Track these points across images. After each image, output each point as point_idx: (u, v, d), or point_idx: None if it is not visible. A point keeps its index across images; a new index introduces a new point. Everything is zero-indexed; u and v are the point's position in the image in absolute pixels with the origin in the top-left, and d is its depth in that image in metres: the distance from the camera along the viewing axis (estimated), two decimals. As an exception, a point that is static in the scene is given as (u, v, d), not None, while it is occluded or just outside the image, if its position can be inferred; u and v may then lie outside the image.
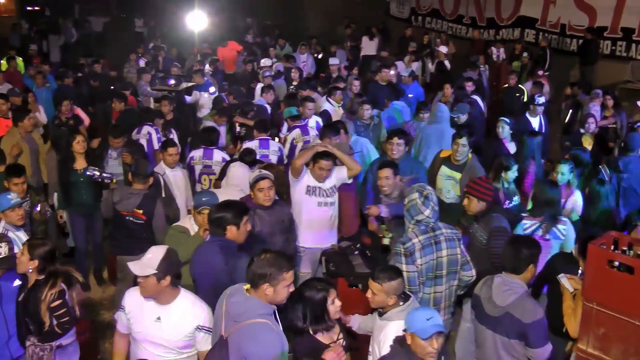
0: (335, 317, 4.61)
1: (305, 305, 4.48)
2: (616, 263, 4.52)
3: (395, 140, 7.39)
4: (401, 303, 4.69)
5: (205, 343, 4.65)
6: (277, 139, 9.85)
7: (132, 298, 4.66)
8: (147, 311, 4.58)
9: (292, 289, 4.22)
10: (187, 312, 4.62)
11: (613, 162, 8.08)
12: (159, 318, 4.57)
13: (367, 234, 7.49)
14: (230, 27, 22.22)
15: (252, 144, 8.80)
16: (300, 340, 4.48)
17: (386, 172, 6.73)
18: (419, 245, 5.30)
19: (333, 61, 15.04)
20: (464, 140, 7.55)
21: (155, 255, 4.49)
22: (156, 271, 4.41)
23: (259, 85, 12.81)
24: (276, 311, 4.21)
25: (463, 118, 9.83)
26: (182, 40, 19.36)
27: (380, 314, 4.76)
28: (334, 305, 4.52)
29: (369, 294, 4.70)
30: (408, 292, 4.91)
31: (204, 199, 5.97)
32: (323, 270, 6.96)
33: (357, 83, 12.25)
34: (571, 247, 6.10)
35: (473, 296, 5.16)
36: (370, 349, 4.81)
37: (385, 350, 4.42)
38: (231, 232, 5.14)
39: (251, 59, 16.04)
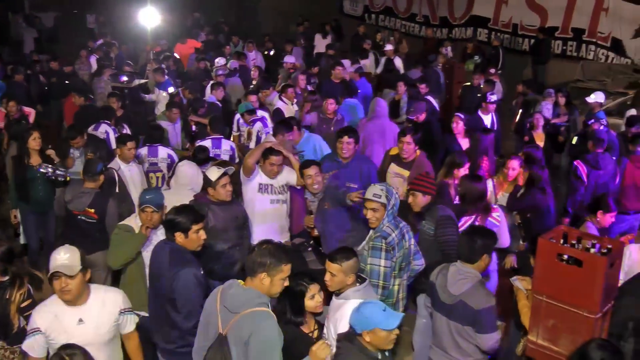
0: (316, 312, 4.79)
1: (286, 297, 4.61)
2: (565, 256, 4.59)
3: (345, 139, 7.31)
4: (358, 283, 4.78)
5: (130, 324, 4.77)
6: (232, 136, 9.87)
7: (44, 315, 4.55)
8: (67, 319, 4.51)
9: (286, 283, 4.26)
10: (105, 303, 4.63)
11: (592, 159, 8.19)
12: (81, 320, 4.52)
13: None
14: (181, 24, 22.00)
15: (205, 143, 8.74)
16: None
17: (312, 170, 6.76)
18: (396, 239, 5.44)
19: (288, 59, 14.99)
20: (408, 139, 7.58)
21: (72, 253, 4.47)
22: (81, 266, 4.44)
23: (211, 83, 12.72)
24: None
25: (421, 117, 9.88)
26: (134, 37, 19.11)
27: (337, 294, 4.81)
28: (314, 300, 4.69)
29: (327, 277, 4.74)
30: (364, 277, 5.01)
31: (147, 197, 5.84)
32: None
33: (302, 77, 12.35)
34: (506, 233, 6.39)
35: (429, 283, 5.22)
36: (324, 330, 4.82)
37: (342, 327, 4.45)
38: (179, 238, 5.06)
39: (203, 57, 15.94)
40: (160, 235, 5.92)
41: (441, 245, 5.94)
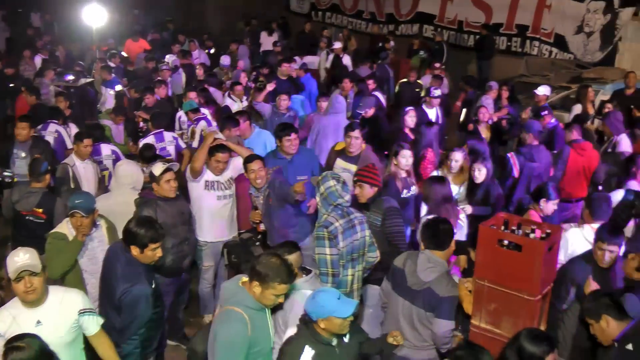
0: None
1: None
2: (505, 242, 4.71)
3: (286, 137, 7.39)
4: (304, 275, 4.91)
5: (92, 324, 4.66)
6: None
7: (3, 318, 4.45)
8: (25, 321, 4.42)
9: (281, 300, 4.32)
10: (63, 303, 4.56)
11: (527, 151, 8.33)
12: (39, 322, 4.45)
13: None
14: (126, 22, 21.75)
15: (148, 139, 8.71)
16: None
17: (255, 165, 6.78)
18: (340, 228, 5.48)
19: (224, 61, 14.99)
20: (356, 133, 7.64)
21: (30, 253, 4.42)
22: (41, 264, 4.40)
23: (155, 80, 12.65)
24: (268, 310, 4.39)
25: (370, 112, 9.96)
26: (80, 36, 18.87)
27: None
28: None
29: None
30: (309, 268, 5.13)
31: (76, 201, 5.74)
32: (225, 262, 6.98)
33: (243, 75, 12.43)
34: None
35: (393, 269, 5.29)
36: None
37: (292, 318, 4.53)
38: (134, 251, 5.03)
39: (152, 56, 15.83)
40: (96, 240, 5.97)
41: (389, 236, 6.01)
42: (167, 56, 14.83)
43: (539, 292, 4.65)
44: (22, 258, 4.35)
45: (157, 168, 6.35)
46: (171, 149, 8.85)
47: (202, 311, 7.54)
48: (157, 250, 5.05)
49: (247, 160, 6.89)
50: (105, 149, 8.69)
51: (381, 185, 6.25)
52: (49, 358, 4.00)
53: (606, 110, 10.10)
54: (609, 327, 4.36)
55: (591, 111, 11.16)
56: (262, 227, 7.00)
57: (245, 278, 4.32)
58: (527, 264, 4.58)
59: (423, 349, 5.07)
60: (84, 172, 7.96)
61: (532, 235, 4.78)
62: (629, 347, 4.28)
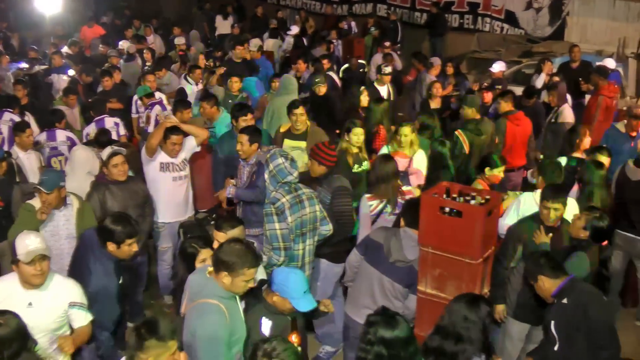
0: None
1: (180, 259, 4.83)
2: (447, 209, 4.89)
3: (242, 117, 7.56)
4: None
5: (80, 318, 4.76)
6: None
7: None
8: (17, 300, 4.53)
9: (251, 284, 4.20)
10: (60, 291, 4.67)
11: (473, 126, 8.44)
12: (30, 304, 4.56)
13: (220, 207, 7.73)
14: (78, 8, 21.48)
15: (91, 127, 8.78)
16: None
17: (242, 138, 6.87)
18: (287, 204, 5.61)
19: (178, 41, 15.00)
20: (300, 110, 7.75)
21: (40, 237, 4.58)
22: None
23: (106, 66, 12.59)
24: (238, 297, 4.23)
25: (323, 90, 10.05)
26: (35, 23, 18.64)
27: None
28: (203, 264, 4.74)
29: (215, 245, 4.88)
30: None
31: (42, 177, 5.93)
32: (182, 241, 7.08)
33: (201, 58, 12.52)
34: None
35: (368, 243, 5.42)
36: None
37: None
38: (111, 247, 5.15)
39: (108, 41, 15.74)
40: (62, 218, 6.05)
41: (336, 215, 6.11)
42: (121, 42, 14.75)
43: (480, 255, 4.85)
44: (34, 242, 4.48)
45: (105, 152, 6.49)
46: (113, 134, 8.86)
47: (161, 292, 7.62)
48: (133, 245, 5.18)
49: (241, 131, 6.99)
50: (61, 135, 8.68)
51: (332, 164, 6.30)
52: (23, 340, 4.06)
53: (554, 81, 10.37)
54: (545, 286, 4.64)
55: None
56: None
57: (210, 268, 4.19)
58: (468, 229, 4.78)
59: None
60: (28, 162, 7.94)
61: (472, 202, 4.97)
62: (564, 301, 4.56)
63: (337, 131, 8.63)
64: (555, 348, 4.65)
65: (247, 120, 7.55)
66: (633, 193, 6.85)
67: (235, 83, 10.07)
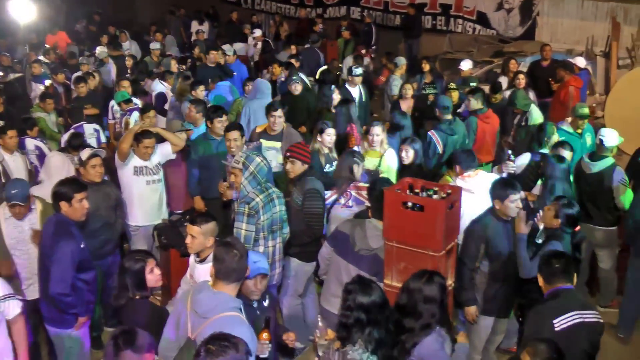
0: (156, 285, 4.88)
1: (127, 275, 4.69)
2: (409, 204, 5.05)
3: (218, 119, 7.73)
4: None
5: (14, 308, 4.87)
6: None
7: None
8: None
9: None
10: None
11: (445, 127, 8.57)
12: None
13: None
14: (52, 15, 21.43)
15: (68, 135, 8.84)
16: (136, 307, 4.65)
17: (234, 135, 7.03)
18: (261, 203, 5.76)
19: (153, 46, 15.07)
20: (279, 112, 7.95)
21: None
22: None
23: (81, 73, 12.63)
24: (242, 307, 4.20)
25: (299, 89, 10.18)
26: (8, 31, 18.58)
27: (200, 261, 5.12)
28: (153, 274, 4.75)
29: (188, 240, 5.04)
30: None
31: (12, 191, 5.95)
32: (156, 244, 7.18)
33: (173, 63, 12.63)
34: None
35: (337, 234, 5.62)
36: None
37: None
38: (64, 207, 5.39)
39: (82, 48, 15.77)
40: (27, 224, 6.15)
41: (306, 216, 6.22)
42: (98, 48, 14.80)
43: (443, 248, 5.01)
44: None
45: (85, 153, 6.58)
46: (92, 141, 8.93)
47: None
48: (84, 202, 5.44)
49: (227, 129, 7.20)
50: (30, 144, 8.77)
51: (310, 162, 6.46)
52: None
53: (518, 83, 10.57)
54: (540, 284, 4.73)
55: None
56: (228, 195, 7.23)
57: (210, 282, 4.10)
58: (430, 223, 4.93)
59: None
60: (14, 164, 8.02)
61: (435, 197, 5.13)
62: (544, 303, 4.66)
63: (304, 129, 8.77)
64: None
65: (222, 122, 7.72)
66: (588, 185, 7.15)
67: (200, 92, 10.13)
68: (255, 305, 4.59)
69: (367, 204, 6.54)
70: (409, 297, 4.33)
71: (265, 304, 4.73)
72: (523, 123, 9.35)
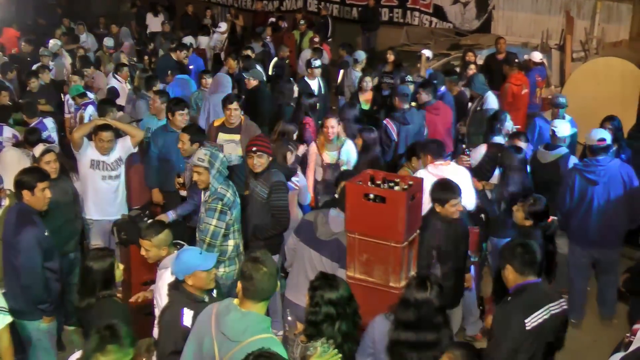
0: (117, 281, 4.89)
1: (92, 274, 4.68)
2: (371, 196, 5.05)
3: (179, 112, 7.68)
4: (175, 250, 5.02)
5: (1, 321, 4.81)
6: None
7: None
8: None
9: None
10: None
11: (400, 116, 8.65)
12: None
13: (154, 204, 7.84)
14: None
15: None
16: (103, 306, 4.66)
17: (184, 137, 6.93)
18: (232, 198, 5.79)
19: (107, 42, 14.86)
20: (235, 105, 7.92)
21: None
22: None
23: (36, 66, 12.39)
24: None
25: (254, 82, 10.13)
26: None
27: (158, 266, 5.06)
28: (119, 270, 4.82)
29: (143, 252, 4.99)
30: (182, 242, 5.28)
31: None
32: (116, 240, 7.08)
33: (122, 56, 12.58)
34: (308, 196, 7.08)
35: (302, 223, 5.71)
36: (154, 302, 5.06)
37: (165, 295, 4.67)
38: (26, 196, 5.37)
39: (32, 38, 15.42)
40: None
41: (273, 209, 6.22)
42: (51, 41, 14.51)
43: (405, 239, 5.02)
44: None
45: (37, 149, 6.56)
46: (54, 135, 8.80)
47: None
48: (46, 191, 5.43)
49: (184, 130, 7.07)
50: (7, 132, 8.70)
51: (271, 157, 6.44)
52: None
53: (470, 72, 10.69)
54: (509, 277, 4.67)
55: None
56: (183, 193, 7.22)
57: (236, 300, 3.86)
58: (392, 214, 4.94)
59: None
60: None
61: (396, 188, 5.14)
62: (509, 299, 4.65)
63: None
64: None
65: (183, 115, 7.70)
66: (543, 175, 7.25)
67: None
68: (206, 299, 4.52)
69: (296, 188, 6.83)
70: (419, 312, 4.24)
71: (215, 295, 4.70)
72: (479, 108, 9.47)
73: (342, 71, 12.12)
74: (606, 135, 6.86)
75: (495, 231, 6.84)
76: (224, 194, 5.75)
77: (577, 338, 6.92)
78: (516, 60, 11.08)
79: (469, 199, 6.45)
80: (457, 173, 6.54)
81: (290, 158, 6.81)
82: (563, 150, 7.33)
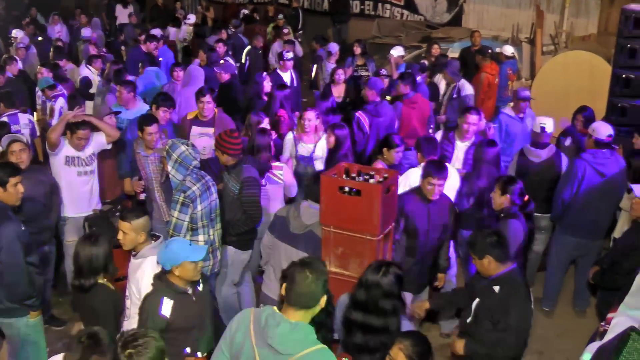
0: None
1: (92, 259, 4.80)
2: (346, 189, 5.04)
3: (163, 108, 7.69)
4: (153, 241, 5.01)
5: None
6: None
7: None
8: None
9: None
10: None
11: (372, 108, 8.66)
12: None
13: (126, 198, 7.83)
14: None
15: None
16: (99, 292, 4.81)
17: (152, 129, 6.91)
18: (198, 192, 5.69)
19: (85, 33, 14.67)
20: (207, 98, 7.92)
21: None
22: None
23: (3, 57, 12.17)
24: None
25: (226, 76, 10.06)
26: None
27: (134, 255, 5.00)
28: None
29: (120, 236, 4.93)
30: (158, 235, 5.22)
31: None
32: (87, 235, 7.00)
33: (91, 48, 12.41)
34: (294, 189, 7.04)
35: (275, 219, 5.66)
36: (127, 292, 5.01)
37: (145, 286, 4.67)
38: None
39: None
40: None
41: (244, 205, 6.20)
42: (14, 31, 14.27)
43: (381, 232, 5.03)
44: None
45: (4, 140, 6.45)
46: (26, 132, 8.64)
47: (69, 288, 7.41)
48: (18, 186, 5.33)
49: (145, 123, 6.97)
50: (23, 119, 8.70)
51: (236, 152, 6.33)
52: None
53: (434, 52, 10.97)
54: (489, 266, 4.75)
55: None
56: (142, 196, 7.12)
57: (275, 308, 3.61)
58: (367, 207, 4.94)
59: None
60: None
61: (371, 181, 5.14)
62: (496, 289, 4.71)
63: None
64: (468, 320, 4.85)
65: (167, 112, 7.76)
66: (536, 174, 7.19)
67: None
68: (189, 291, 4.55)
69: (280, 182, 6.83)
70: (367, 293, 4.28)
71: (200, 288, 4.69)
72: (455, 96, 9.50)
73: (315, 66, 12.07)
74: (613, 131, 6.92)
75: (464, 224, 6.84)
76: (189, 186, 5.69)
77: (549, 327, 7.04)
78: (489, 51, 11.16)
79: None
80: (449, 175, 6.53)
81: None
82: (553, 148, 7.35)
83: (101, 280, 4.89)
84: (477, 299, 4.83)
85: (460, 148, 7.51)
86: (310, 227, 5.35)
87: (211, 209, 5.90)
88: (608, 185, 6.78)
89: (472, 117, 7.40)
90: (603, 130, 6.83)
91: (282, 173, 6.94)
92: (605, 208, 6.90)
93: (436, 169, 5.81)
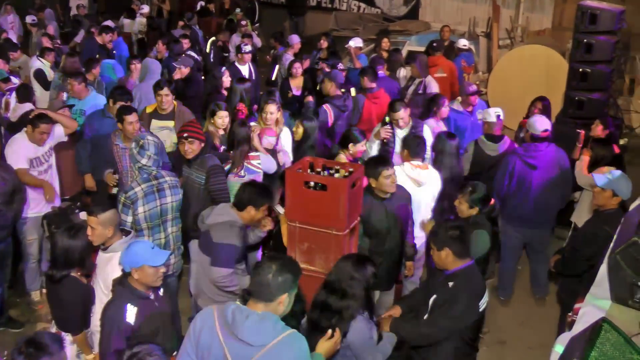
0: None
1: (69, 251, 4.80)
2: (312, 183, 5.01)
3: (121, 102, 7.51)
4: (123, 236, 4.97)
5: None
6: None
7: None
8: None
9: None
10: None
11: (339, 102, 8.65)
12: None
13: (86, 193, 7.68)
14: None
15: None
16: (72, 285, 4.82)
17: (131, 118, 6.83)
18: (141, 193, 5.60)
19: (29, 19, 14.42)
20: (165, 91, 7.80)
21: None
22: None
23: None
24: None
25: (185, 71, 9.95)
26: None
27: (104, 249, 4.93)
28: None
29: (88, 231, 4.85)
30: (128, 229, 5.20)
31: None
32: (46, 233, 6.84)
33: (45, 40, 12.13)
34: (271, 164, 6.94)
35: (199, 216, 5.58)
36: (93, 285, 4.96)
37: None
38: None
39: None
40: None
41: (212, 194, 6.15)
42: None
43: (347, 226, 5.02)
44: None
45: None
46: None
47: (28, 288, 7.31)
48: None
49: (124, 112, 6.86)
50: None
51: (204, 139, 6.35)
52: None
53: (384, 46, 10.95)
54: (447, 260, 4.70)
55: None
56: (113, 190, 7.02)
57: (239, 302, 3.61)
58: (333, 202, 4.90)
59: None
60: None
61: (336, 175, 5.13)
62: (450, 284, 4.68)
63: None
64: (425, 317, 4.80)
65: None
66: (493, 168, 7.29)
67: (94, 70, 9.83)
68: (151, 297, 4.47)
69: (259, 171, 6.79)
70: (337, 275, 4.35)
71: (161, 293, 4.62)
72: (420, 91, 9.54)
73: (277, 66, 11.96)
74: (549, 125, 7.05)
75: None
76: (132, 187, 5.66)
77: (510, 316, 7.14)
78: (434, 45, 11.18)
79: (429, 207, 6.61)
80: (432, 177, 6.59)
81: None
82: (507, 139, 7.48)
83: (74, 274, 4.85)
84: (434, 295, 4.79)
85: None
86: (209, 227, 5.29)
87: (162, 211, 5.82)
88: (545, 175, 6.92)
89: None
90: (538, 125, 6.96)
91: (260, 162, 6.86)
92: (545, 198, 7.00)
93: (382, 162, 5.82)
